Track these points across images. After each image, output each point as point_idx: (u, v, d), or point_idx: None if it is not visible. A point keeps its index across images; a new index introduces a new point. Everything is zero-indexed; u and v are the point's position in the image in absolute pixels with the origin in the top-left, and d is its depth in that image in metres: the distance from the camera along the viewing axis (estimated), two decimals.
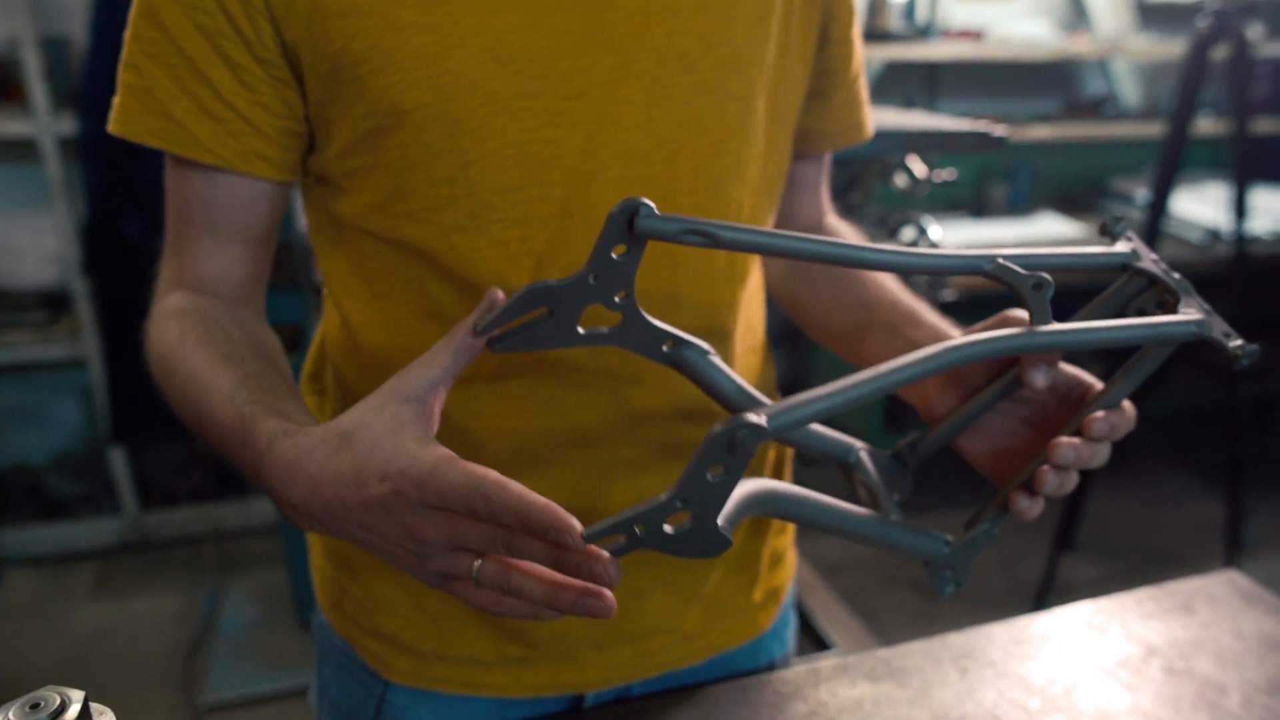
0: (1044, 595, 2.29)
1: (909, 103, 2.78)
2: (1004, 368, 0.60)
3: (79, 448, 2.58)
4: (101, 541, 2.49)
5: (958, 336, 0.64)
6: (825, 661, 0.79)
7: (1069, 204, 3.00)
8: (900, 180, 1.83)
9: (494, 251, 0.60)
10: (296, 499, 0.49)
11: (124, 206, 2.16)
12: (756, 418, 0.41)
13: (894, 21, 2.57)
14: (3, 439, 2.51)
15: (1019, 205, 2.85)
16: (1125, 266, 0.56)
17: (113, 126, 0.61)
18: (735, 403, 0.56)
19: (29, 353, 2.32)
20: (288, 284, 1.81)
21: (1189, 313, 0.52)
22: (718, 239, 0.49)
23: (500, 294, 0.52)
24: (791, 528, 0.85)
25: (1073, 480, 0.55)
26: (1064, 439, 0.53)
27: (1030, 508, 0.55)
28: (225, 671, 2.03)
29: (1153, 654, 0.80)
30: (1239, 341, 0.51)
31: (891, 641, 0.79)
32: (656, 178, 0.62)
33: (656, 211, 0.48)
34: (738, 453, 0.41)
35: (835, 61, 0.73)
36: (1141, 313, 0.55)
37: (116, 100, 0.61)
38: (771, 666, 0.83)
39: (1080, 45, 2.74)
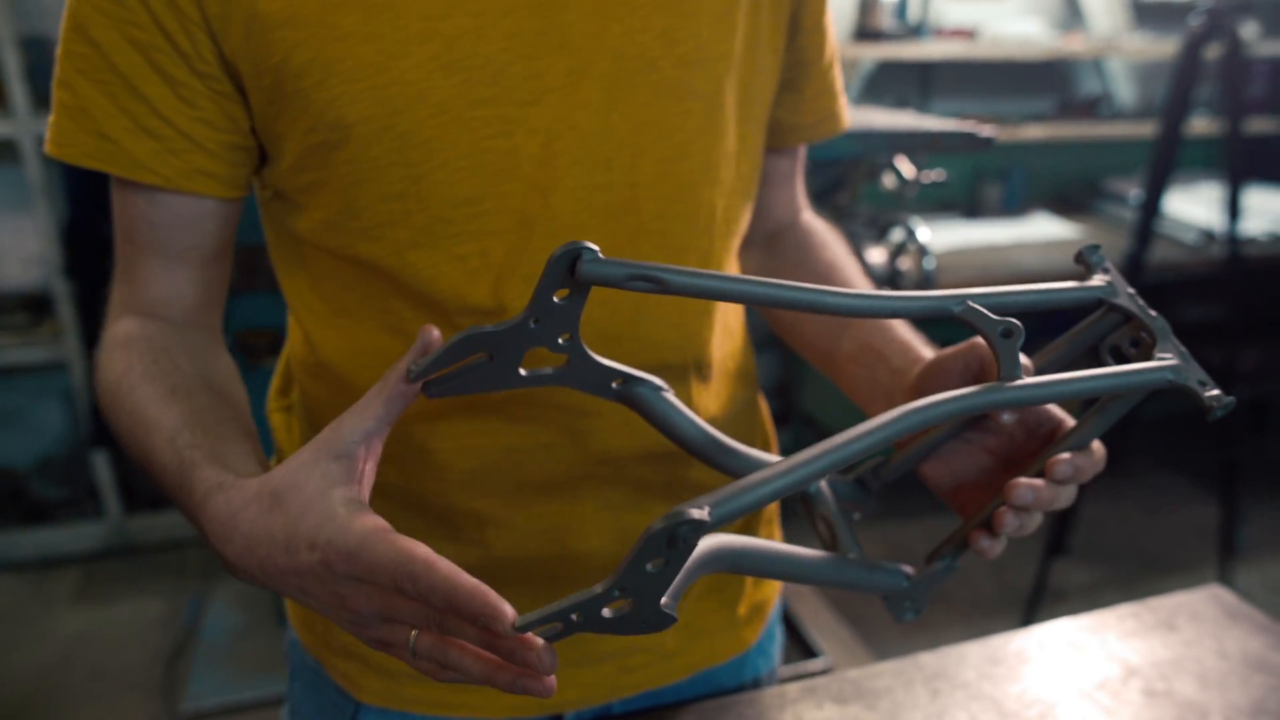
0: (1036, 601, 2.26)
1: (901, 103, 2.75)
2: None
3: (62, 451, 2.55)
4: (85, 546, 2.47)
5: (926, 352, 0.63)
6: (792, 684, 0.76)
7: (1063, 204, 2.97)
8: (888, 181, 1.81)
9: (451, 267, 0.58)
10: (232, 556, 0.48)
11: (105, 209, 2.11)
12: (698, 511, 0.39)
13: (886, 21, 2.54)
14: None
15: (1013, 206, 2.83)
16: (1100, 302, 0.54)
17: (49, 148, 0.59)
18: (693, 442, 0.54)
19: (11, 355, 2.30)
20: (266, 287, 1.79)
21: (1165, 357, 0.50)
22: (667, 284, 0.46)
23: (435, 333, 0.49)
24: (779, 538, 0.83)
25: (1035, 521, 0.52)
26: (1023, 480, 0.51)
27: (991, 547, 0.53)
28: (207, 679, 2.00)
29: (1133, 674, 0.77)
30: (1215, 391, 0.49)
31: (880, 649, 0.77)
32: (618, 184, 0.59)
33: (600, 256, 0.46)
34: (679, 547, 0.40)
35: (807, 51, 0.70)
36: (1116, 349, 0.54)
37: (51, 119, 0.58)
38: (757, 683, 0.81)
39: (1074, 44, 2.72)
